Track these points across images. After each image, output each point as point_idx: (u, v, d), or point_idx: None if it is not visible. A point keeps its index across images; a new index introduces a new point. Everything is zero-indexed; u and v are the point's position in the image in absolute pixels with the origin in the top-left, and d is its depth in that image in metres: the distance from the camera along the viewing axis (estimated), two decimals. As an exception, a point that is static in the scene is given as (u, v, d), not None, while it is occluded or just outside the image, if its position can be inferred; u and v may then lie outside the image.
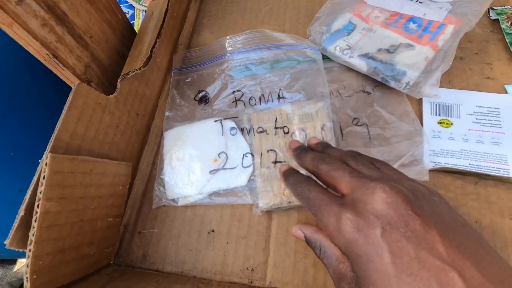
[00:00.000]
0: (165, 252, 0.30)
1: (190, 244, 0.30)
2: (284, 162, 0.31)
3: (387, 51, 0.34)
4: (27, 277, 0.20)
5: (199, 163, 0.32)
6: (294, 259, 0.29)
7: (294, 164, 0.27)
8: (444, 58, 0.33)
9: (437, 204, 0.18)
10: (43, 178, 0.21)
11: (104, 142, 0.29)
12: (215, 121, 0.34)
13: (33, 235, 0.20)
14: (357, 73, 0.36)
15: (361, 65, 0.35)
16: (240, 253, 0.30)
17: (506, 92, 0.34)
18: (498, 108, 0.33)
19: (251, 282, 0.28)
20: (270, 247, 0.30)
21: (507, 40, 0.36)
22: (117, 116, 0.31)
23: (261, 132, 0.33)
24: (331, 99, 0.35)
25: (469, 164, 0.30)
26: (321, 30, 0.38)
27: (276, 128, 0.32)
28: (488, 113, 0.33)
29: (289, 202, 0.29)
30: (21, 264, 0.76)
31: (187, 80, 0.39)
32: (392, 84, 0.33)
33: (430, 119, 0.33)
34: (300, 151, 0.26)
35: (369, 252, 0.17)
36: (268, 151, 0.31)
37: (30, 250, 0.20)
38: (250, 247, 0.30)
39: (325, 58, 0.37)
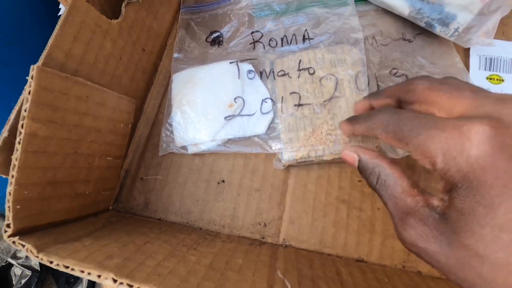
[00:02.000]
0: (169, 200, 0.27)
1: (197, 194, 0.27)
2: (309, 104, 0.27)
3: None
4: (8, 206, 0.17)
5: (213, 108, 0.28)
6: (312, 217, 0.26)
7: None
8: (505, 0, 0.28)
9: None
10: (29, 93, 0.18)
11: (105, 72, 0.25)
12: (230, 62, 0.30)
13: (16, 159, 0.17)
14: (396, 17, 0.31)
15: (403, 6, 0.30)
16: (252, 207, 0.27)
17: None
18: None
19: (263, 238, 0.26)
20: (286, 203, 0.26)
21: None
22: (120, 46, 0.27)
23: (283, 75, 0.29)
24: (365, 45, 0.30)
25: None
26: None
27: (299, 70, 0.28)
28: None
29: (318, 156, 0.26)
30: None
31: (198, 20, 0.34)
32: (438, 30, 0.29)
33: (478, 74, 0.29)
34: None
35: None
36: (290, 93, 0.28)
37: (12, 176, 0.17)
38: (263, 200, 0.27)
39: (360, 0, 0.32)
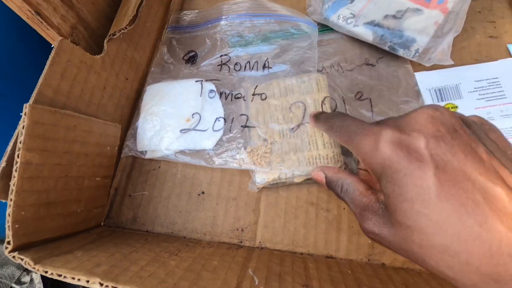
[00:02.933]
0: (155, 213, 0.30)
1: (180, 205, 0.30)
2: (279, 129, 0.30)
3: (394, 17, 0.33)
4: (8, 226, 0.20)
5: (172, 120, 0.32)
6: (284, 220, 0.28)
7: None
8: (455, 21, 0.31)
9: (482, 130, 0.17)
10: (23, 128, 0.21)
11: (91, 102, 0.28)
12: (196, 81, 0.33)
13: (13, 184, 0.20)
14: (361, 43, 0.34)
15: (367, 33, 0.33)
16: (230, 214, 0.29)
17: (509, 54, 0.32)
18: (497, 78, 0.31)
19: (241, 242, 0.28)
20: (260, 208, 0.29)
21: (513, -4, 0.34)
22: (104, 77, 0.30)
23: (263, 99, 0.31)
24: (332, 71, 0.33)
25: None
26: None
27: (274, 97, 0.31)
28: (489, 86, 0.31)
29: (288, 178, 0.28)
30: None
31: (179, 39, 0.38)
32: (401, 52, 0.32)
33: None
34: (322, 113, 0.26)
35: (410, 166, 0.16)
36: (268, 123, 0.30)
37: (11, 200, 0.20)
38: (240, 208, 0.29)
39: (327, 29, 0.36)
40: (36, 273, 0.56)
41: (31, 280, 0.56)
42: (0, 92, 0.46)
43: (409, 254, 0.17)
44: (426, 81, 0.32)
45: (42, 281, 0.54)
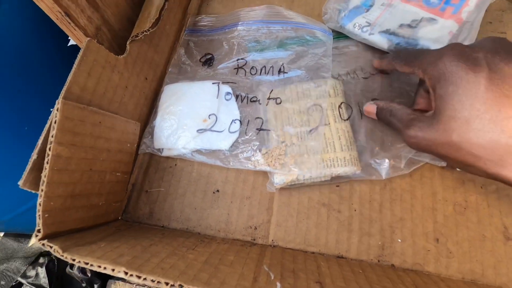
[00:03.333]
0: (170, 210, 0.31)
1: (195, 203, 0.31)
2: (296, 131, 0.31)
3: (409, 26, 0.33)
4: (39, 215, 0.21)
5: (189, 120, 0.33)
6: (296, 219, 0.29)
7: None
8: (470, 31, 0.32)
9: None
10: (55, 122, 0.22)
11: (113, 100, 0.30)
12: (213, 83, 0.34)
13: (45, 176, 0.21)
14: (376, 51, 0.35)
15: (382, 42, 0.34)
16: (244, 212, 0.30)
17: None
18: None
19: (254, 240, 0.29)
20: (274, 207, 0.30)
21: (524, 8, 0.35)
22: (126, 77, 0.31)
23: (279, 103, 0.32)
24: (347, 79, 0.34)
25: None
26: (338, 7, 0.36)
27: (291, 101, 0.32)
28: None
29: (306, 179, 0.29)
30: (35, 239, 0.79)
31: (196, 42, 0.39)
32: None
33: None
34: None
35: (467, 69, 0.19)
36: (284, 126, 0.31)
37: (42, 190, 0.21)
38: (254, 206, 0.30)
39: (343, 36, 0.37)
40: (41, 267, 0.57)
41: (37, 274, 0.58)
42: (18, 88, 0.47)
43: (447, 146, 0.20)
44: None
45: (47, 275, 0.56)
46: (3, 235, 0.65)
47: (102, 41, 0.33)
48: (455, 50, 0.21)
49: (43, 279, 0.56)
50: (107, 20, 0.33)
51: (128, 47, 0.31)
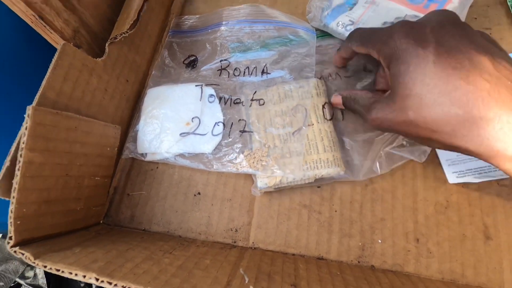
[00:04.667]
0: (152, 213, 0.31)
1: (176, 205, 0.31)
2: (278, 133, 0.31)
3: (392, 24, 0.33)
4: (11, 222, 0.21)
5: (172, 124, 0.33)
6: (277, 221, 0.29)
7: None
8: None
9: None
10: (26, 129, 0.22)
11: (92, 104, 0.29)
12: (196, 85, 0.34)
13: (16, 183, 0.21)
14: None
15: None
16: (224, 215, 0.30)
17: None
18: None
19: (235, 242, 0.29)
20: (254, 209, 0.30)
21: (509, 4, 0.34)
22: (105, 80, 0.31)
23: (261, 104, 0.32)
24: (329, 79, 0.34)
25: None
26: (321, 6, 0.36)
27: (273, 103, 0.32)
28: None
29: (289, 182, 0.28)
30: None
31: (180, 43, 0.39)
32: None
33: None
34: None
35: (415, 45, 0.20)
36: (266, 128, 0.31)
37: (13, 197, 0.21)
38: (234, 209, 0.30)
39: (326, 35, 0.36)
40: (39, 268, 0.58)
41: (35, 275, 0.58)
42: (6, 91, 0.47)
43: (405, 124, 0.21)
44: None
45: (45, 276, 0.56)
46: (1, 236, 0.65)
47: (81, 43, 0.33)
48: (404, 27, 0.21)
49: (41, 279, 0.56)
50: (85, 22, 0.33)
51: (107, 49, 0.31)
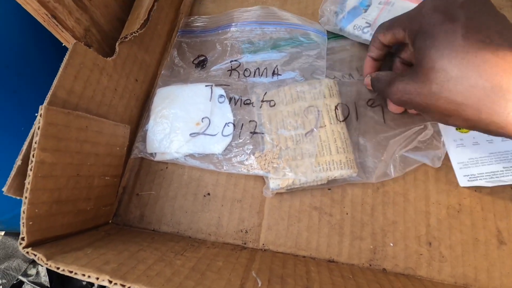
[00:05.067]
0: (161, 213, 0.31)
1: (186, 206, 0.31)
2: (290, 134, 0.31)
3: None
4: (23, 222, 0.21)
5: (182, 124, 0.32)
6: (287, 223, 0.29)
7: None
8: None
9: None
10: (38, 128, 0.22)
11: (102, 103, 0.29)
12: (206, 85, 0.34)
13: (28, 183, 0.21)
14: None
15: None
16: (234, 216, 0.30)
17: None
18: None
19: (245, 244, 0.29)
20: (265, 211, 0.30)
21: (521, 6, 0.34)
22: (115, 79, 0.31)
23: (272, 106, 0.32)
24: (343, 80, 0.33)
25: (503, 168, 0.27)
26: (335, 9, 0.35)
27: (285, 103, 0.32)
28: None
29: (302, 184, 0.28)
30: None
31: (189, 43, 0.39)
32: None
33: (447, 127, 0.29)
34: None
35: (444, 18, 0.20)
36: (278, 129, 0.31)
37: (26, 197, 0.21)
38: (244, 210, 0.30)
39: (339, 36, 0.36)
40: (43, 266, 0.58)
41: (37, 272, 0.58)
42: (13, 88, 0.47)
43: (428, 96, 0.21)
44: None
45: (48, 274, 0.56)
46: (4, 234, 0.65)
47: (92, 42, 0.32)
48: (434, 1, 0.21)
49: (44, 277, 0.56)
50: (96, 21, 0.32)
51: (117, 48, 0.31)
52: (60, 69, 0.25)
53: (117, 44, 0.31)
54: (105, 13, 0.33)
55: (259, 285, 0.21)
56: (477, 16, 0.19)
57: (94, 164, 0.27)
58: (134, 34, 0.31)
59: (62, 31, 0.29)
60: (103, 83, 0.29)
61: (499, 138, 0.29)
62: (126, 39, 0.31)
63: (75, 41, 0.29)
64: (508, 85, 0.18)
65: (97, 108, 0.29)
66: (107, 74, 0.30)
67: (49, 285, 0.55)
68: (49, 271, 0.55)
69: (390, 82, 0.24)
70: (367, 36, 0.33)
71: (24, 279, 0.56)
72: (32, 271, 0.58)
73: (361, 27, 0.34)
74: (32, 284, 0.56)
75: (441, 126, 0.30)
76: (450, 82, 0.19)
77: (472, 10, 0.20)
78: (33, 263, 0.59)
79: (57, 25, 0.28)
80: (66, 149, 0.24)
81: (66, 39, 0.30)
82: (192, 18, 0.40)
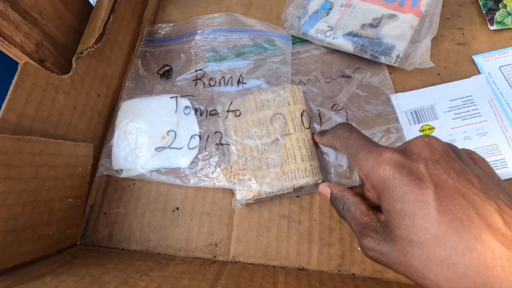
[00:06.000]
0: (130, 230, 0.30)
1: (155, 222, 0.30)
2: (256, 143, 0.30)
3: (371, 25, 0.33)
4: (-26, 257, 0.20)
5: (147, 138, 0.32)
6: (257, 233, 0.29)
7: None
8: (431, 24, 0.31)
9: (471, 159, 0.19)
10: (-16, 158, 0.21)
11: (60, 123, 0.28)
12: (171, 97, 0.33)
13: (-23, 215, 0.20)
14: (340, 54, 0.34)
15: (347, 44, 0.33)
16: (204, 229, 0.30)
17: (474, 64, 0.32)
18: (471, 96, 0.31)
19: (215, 257, 0.29)
20: (234, 222, 0.30)
21: (480, 3, 0.35)
22: (73, 96, 0.30)
23: (237, 115, 0.32)
24: (309, 84, 0.33)
25: None
26: (297, 14, 0.35)
27: (250, 113, 0.31)
28: (464, 105, 0.30)
29: (268, 193, 0.28)
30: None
31: (154, 53, 0.38)
32: (383, 59, 0.32)
33: (411, 130, 0.30)
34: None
35: (411, 183, 0.17)
36: (243, 139, 0.30)
37: (-24, 230, 0.20)
38: (214, 222, 0.30)
39: (304, 40, 0.36)
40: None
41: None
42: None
43: (408, 269, 0.18)
44: (402, 103, 0.32)
45: None
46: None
47: (45, 57, 0.31)
48: (393, 159, 0.19)
49: None
50: (49, 34, 0.31)
51: (74, 64, 0.30)
52: (9, 92, 0.24)
53: (73, 59, 0.30)
54: (60, 25, 0.32)
55: (223, 303, 0.21)
56: (445, 180, 0.17)
57: (54, 188, 0.26)
58: (90, 50, 0.30)
59: (10, 47, 0.28)
60: (60, 102, 0.28)
61: (461, 136, 0.30)
62: (83, 54, 0.30)
63: (27, 58, 0.28)
64: (501, 284, 0.15)
65: (55, 128, 0.28)
66: (64, 92, 0.29)
67: None
68: None
69: (362, 231, 0.20)
70: (330, 40, 0.33)
71: None
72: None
73: (323, 31, 0.34)
74: None
75: (405, 130, 0.30)
76: (433, 263, 0.16)
77: (438, 173, 0.17)
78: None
79: (3, 41, 0.27)
80: (19, 175, 0.23)
81: (17, 55, 0.29)
82: (156, 26, 0.39)
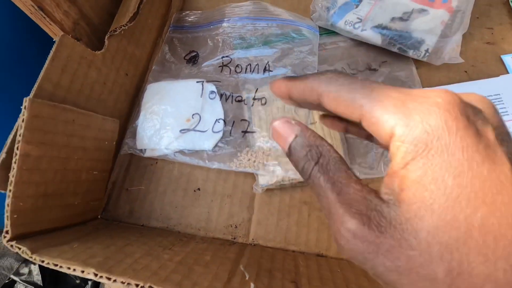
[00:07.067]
0: (151, 208, 0.31)
1: (175, 201, 0.31)
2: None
3: (401, 19, 0.33)
4: (7, 216, 0.21)
5: (172, 120, 0.32)
6: (277, 218, 0.29)
7: None
8: (462, 19, 0.31)
9: None
10: (22, 121, 0.21)
11: (91, 97, 0.29)
12: (197, 81, 0.33)
13: (13, 176, 0.21)
14: (366, 46, 0.35)
15: (376, 37, 0.33)
16: (224, 211, 0.30)
17: (502, 64, 0.32)
18: (499, 94, 0.31)
19: (234, 238, 0.29)
20: (255, 206, 0.30)
21: (511, 3, 0.34)
22: (104, 73, 0.30)
23: (263, 104, 0.32)
24: None
25: None
26: (327, 5, 0.35)
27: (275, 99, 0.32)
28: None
29: (291, 179, 0.28)
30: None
31: (181, 39, 0.38)
32: (411, 53, 0.32)
33: None
34: None
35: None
36: (268, 127, 0.31)
37: (10, 191, 0.21)
38: (234, 205, 0.30)
39: (331, 32, 0.36)
40: (35, 264, 0.57)
41: (30, 271, 0.57)
42: (4, 84, 0.46)
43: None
44: None
45: (41, 272, 0.55)
46: (-5, 232, 0.64)
47: (81, 35, 0.32)
48: (453, 107, 0.11)
49: (36, 276, 0.55)
50: (85, 14, 0.32)
51: (106, 42, 0.30)
52: (47, 62, 0.25)
53: (106, 37, 0.30)
54: (95, 7, 0.33)
55: (247, 278, 0.21)
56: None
57: (82, 158, 0.27)
58: (123, 28, 0.30)
59: (50, 24, 0.29)
60: (92, 77, 0.29)
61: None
62: (116, 33, 0.31)
63: (61, 34, 0.29)
64: None
65: (86, 102, 0.28)
66: (96, 68, 0.29)
67: (41, 284, 0.54)
68: (42, 270, 0.55)
69: (344, 202, 0.12)
70: (359, 32, 0.34)
71: (16, 278, 0.55)
72: (25, 270, 0.57)
73: (352, 23, 0.34)
74: (25, 283, 0.55)
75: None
76: None
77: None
78: (26, 262, 0.58)
79: (44, 17, 0.28)
80: (53, 142, 0.23)
81: (54, 32, 0.30)
82: (183, 13, 0.40)
